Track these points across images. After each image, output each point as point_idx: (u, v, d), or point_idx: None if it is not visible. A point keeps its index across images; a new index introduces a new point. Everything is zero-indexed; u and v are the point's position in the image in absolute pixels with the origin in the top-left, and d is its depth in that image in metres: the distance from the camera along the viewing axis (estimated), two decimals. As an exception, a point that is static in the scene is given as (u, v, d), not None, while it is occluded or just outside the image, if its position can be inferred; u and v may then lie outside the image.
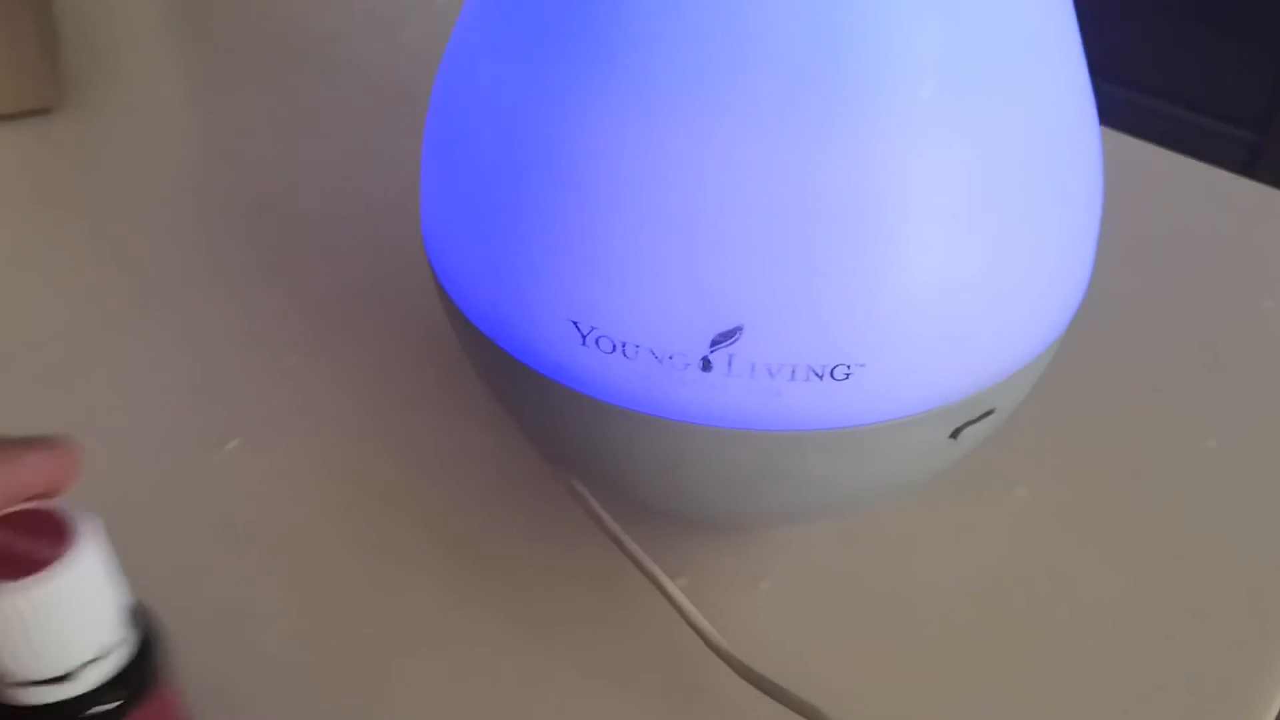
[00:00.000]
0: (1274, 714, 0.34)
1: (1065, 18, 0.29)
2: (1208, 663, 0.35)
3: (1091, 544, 0.38)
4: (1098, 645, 0.35)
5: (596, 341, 0.27)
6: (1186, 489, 0.40)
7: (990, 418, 0.30)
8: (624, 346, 0.27)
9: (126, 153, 0.53)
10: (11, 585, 0.20)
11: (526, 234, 0.28)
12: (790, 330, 0.26)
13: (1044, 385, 0.33)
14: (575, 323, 0.27)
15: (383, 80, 0.57)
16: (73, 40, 0.59)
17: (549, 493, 0.37)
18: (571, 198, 0.27)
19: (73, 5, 0.61)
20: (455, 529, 0.38)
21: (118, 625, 0.23)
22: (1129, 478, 0.40)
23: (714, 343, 0.26)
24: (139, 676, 0.23)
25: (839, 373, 0.27)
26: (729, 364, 0.27)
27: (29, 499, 0.22)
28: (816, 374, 0.27)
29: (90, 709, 0.22)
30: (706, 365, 0.27)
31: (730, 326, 0.26)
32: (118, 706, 0.23)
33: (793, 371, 0.27)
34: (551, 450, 0.34)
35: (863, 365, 0.27)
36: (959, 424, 0.29)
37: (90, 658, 0.22)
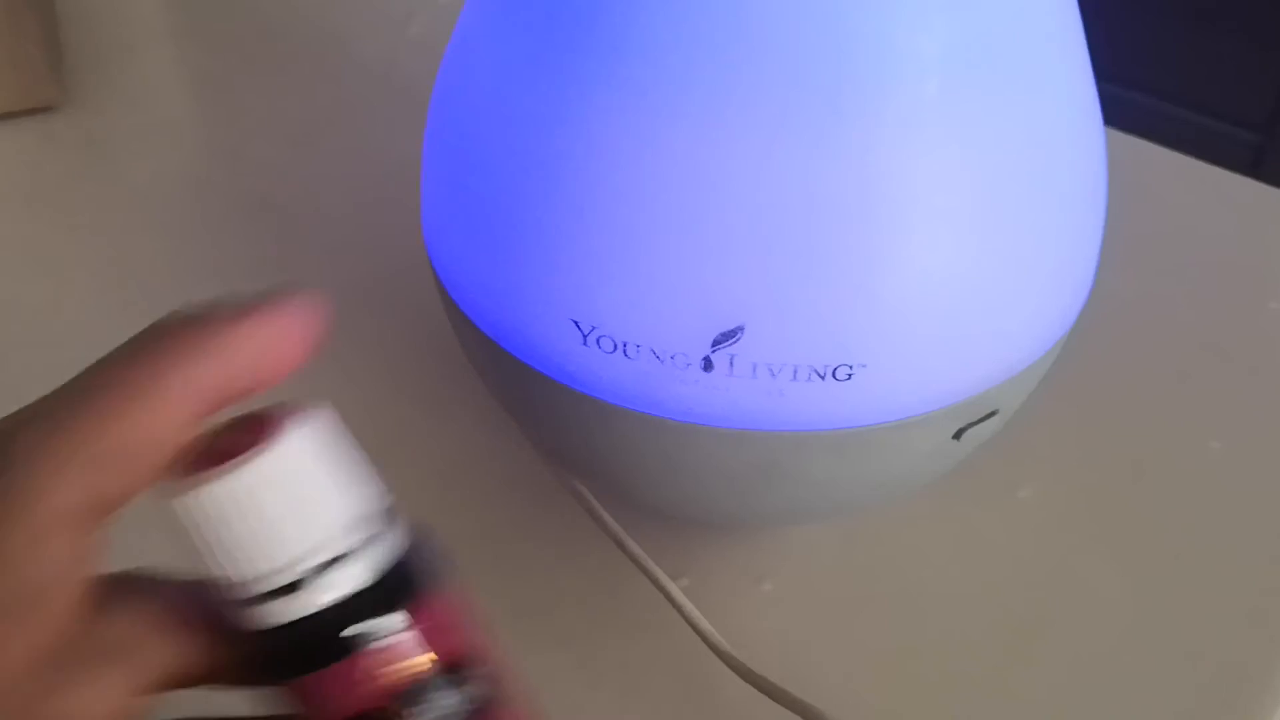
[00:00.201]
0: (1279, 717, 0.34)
1: (1070, 18, 0.29)
2: (1211, 665, 0.35)
3: (1094, 545, 0.38)
4: (1100, 647, 0.35)
5: (598, 341, 0.27)
6: (1190, 491, 0.39)
7: (993, 419, 0.30)
8: (625, 346, 0.27)
9: (130, 151, 0.53)
10: (226, 469, 0.18)
11: (528, 233, 0.27)
12: (792, 330, 0.26)
13: (1047, 386, 0.33)
14: (576, 322, 0.27)
15: (386, 78, 0.57)
16: (76, 38, 0.59)
17: (550, 493, 0.37)
18: (573, 197, 0.26)
19: (76, 3, 0.61)
20: (455, 529, 0.38)
21: (355, 527, 0.19)
22: (1132, 479, 0.40)
23: (715, 343, 0.26)
24: (394, 590, 0.19)
25: (841, 373, 0.27)
26: (730, 364, 0.27)
27: (249, 389, 0.19)
28: (818, 374, 0.27)
29: (343, 627, 0.19)
30: (708, 365, 0.27)
31: (732, 326, 0.26)
32: (372, 623, 0.19)
33: (794, 372, 0.27)
34: (552, 450, 0.34)
35: (865, 366, 0.27)
36: (962, 425, 0.29)
37: (323, 559, 0.19)
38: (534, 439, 0.35)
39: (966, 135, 0.26)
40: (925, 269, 0.26)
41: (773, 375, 0.27)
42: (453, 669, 0.19)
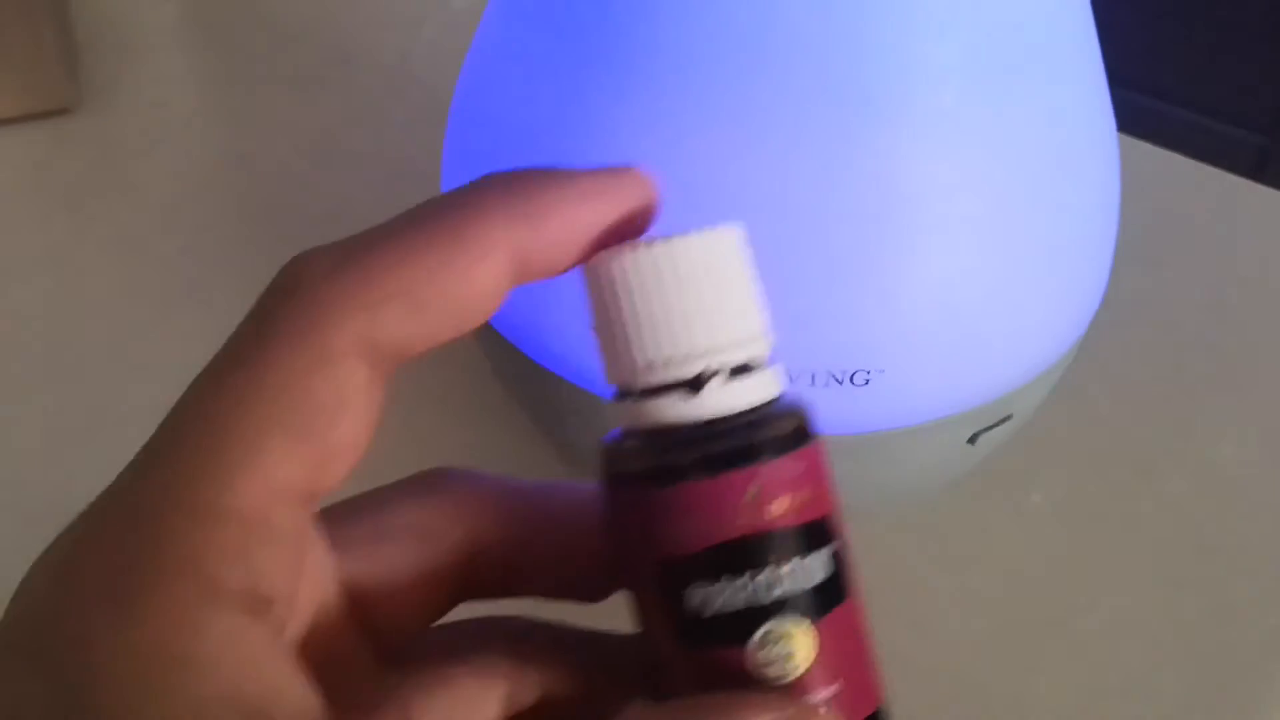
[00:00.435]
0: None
1: (1084, 25, 0.29)
2: (1226, 668, 0.35)
3: (1107, 549, 0.38)
4: (1114, 651, 0.35)
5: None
6: (1203, 494, 0.40)
7: (1008, 423, 0.30)
8: (645, 351, 0.27)
9: (143, 154, 0.54)
10: (660, 241, 0.18)
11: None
12: (810, 336, 0.26)
13: (1059, 390, 0.33)
14: (597, 328, 0.28)
15: (399, 81, 0.57)
16: (90, 41, 0.59)
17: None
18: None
19: (90, 6, 0.61)
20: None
21: (763, 344, 0.18)
22: (1144, 483, 0.40)
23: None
24: (792, 421, 0.18)
25: (859, 378, 0.27)
26: (750, 369, 0.27)
27: (565, 261, 0.18)
28: (836, 379, 0.27)
29: (739, 439, 0.17)
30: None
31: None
32: (768, 444, 0.17)
33: (813, 377, 0.27)
34: (569, 452, 0.35)
35: (882, 371, 0.27)
36: (977, 429, 0.30)
37: (735, 362, 0.18)
38: (554, 442, 0.35)
39: (984, 143, 0.26)
40: (943, 276, 0.27)
41: (791, 380, 0.27)
42: (825, 524, 0.18)
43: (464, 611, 0.21)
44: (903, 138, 0.26)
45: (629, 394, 0.18)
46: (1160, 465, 0.41)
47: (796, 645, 0.17)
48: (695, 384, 0.18)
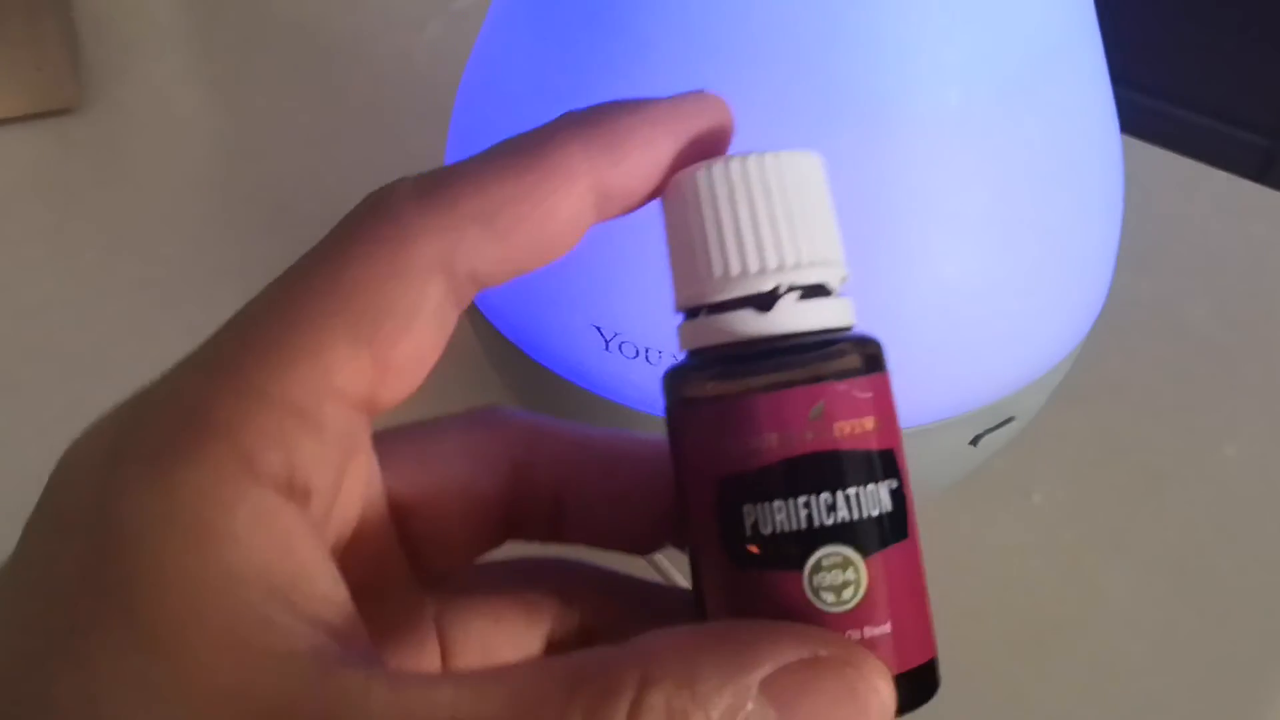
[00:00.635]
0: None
1: (1088, 25, 0.29)
2: (1226, 670, 0.35)
3: (1108, 550, 0.38)
4: (1114, 652, 0.35)
5: (619, 347, 0.28)
6: (1204, 496, 0.40)
7: (1010, 424, 0.30)
8: (647, 352, 0.27)
9: (147, 153, 0.54)
10: (747, 154, 0.17)
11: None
12: (813, 337, 0.26)
13: (1062, 391, 0.33)
14: (599, 328, 0.28)
15: (402, 80, 0.57)
16: (94, 40, 0.59)
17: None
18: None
19: (94, 5, 0.61)
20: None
21: (840, 269, 0.18)
22: (1146, 484, 0.40)
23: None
24: (865, 348, 0.18)
25: (861, 380, 0.27)
26: (751, 371, 0.27)
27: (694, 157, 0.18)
28: (838, 381, 0.27)
29: (811, 357, 0.17)
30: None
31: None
32: (840, 365, 0.17)
33: (815, 378, 0.27)
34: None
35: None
36: (979, 431, 0.30)
37: (811, 282, 0.18)
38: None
39: (986, 146, 0.26)
40: (945, 278, 0.27)
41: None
42: (892, 456, 0.17)
43: (510, 553, 0.20)
44: (904, 140, 0.26)
45: (699, 311, 0.18)
46: (1162, 468, 0.41)
47: (852, 575, 0.17)
48: (768, 300, 0.17)
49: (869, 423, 0.17)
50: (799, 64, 0.25)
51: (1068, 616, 0.36)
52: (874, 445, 0.17)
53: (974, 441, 0.30)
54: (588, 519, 0.20)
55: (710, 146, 0.18)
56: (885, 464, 0.17)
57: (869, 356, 0.17)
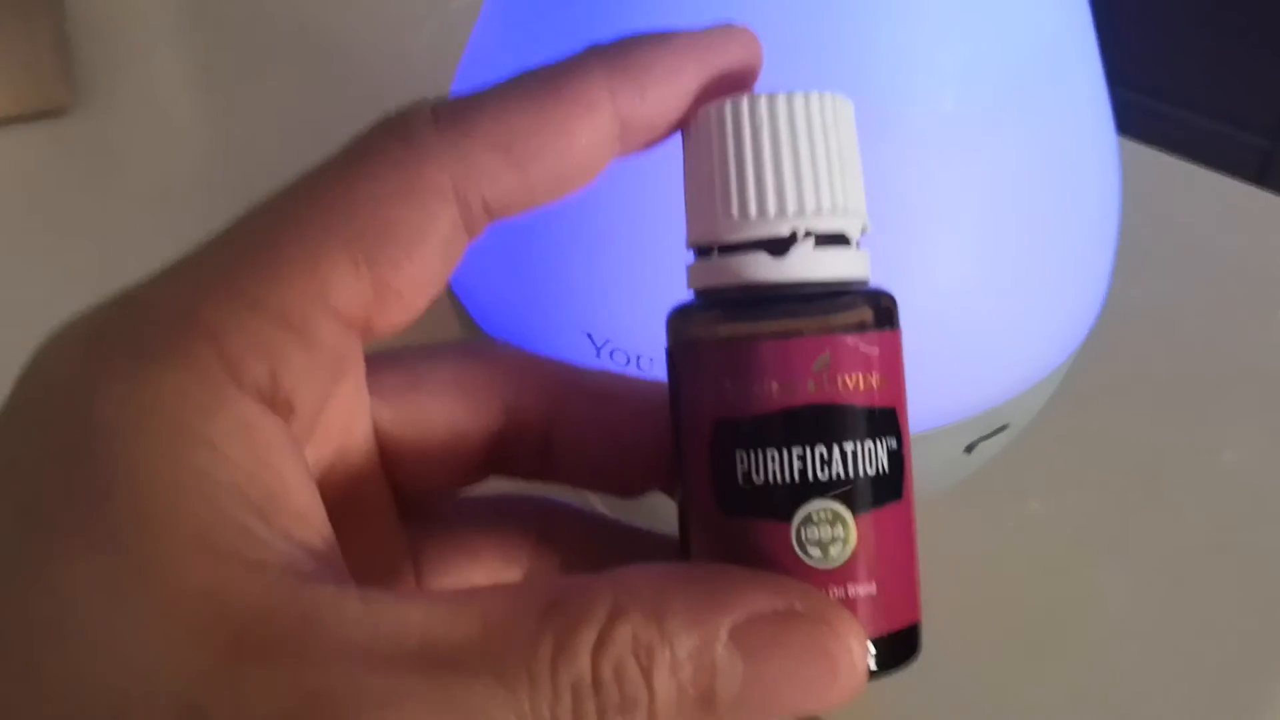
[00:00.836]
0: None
1: (1083, 28, 0.29)
2: (1223, 676, 0.35)
3: (1105, 557, 0.38)
4: (1111, 659, 0.35)
5: (611, 354, 0.27)
6: (1202, 503, 0.39)
7: (1004, 432, 0.30)
8: (638, 359, 0.27)
9: (140, 154, 0.53)
10: (772, 95, 0.17)
11: (542, 247, 0.27)
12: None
13: (1057, 398, 0.33)
14: (590, 335, 0.27)
15: (398, 82, 0.57)
16: (86, 41, 0.59)
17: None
18: (586, 211, 0.26)
19: (86, 6, 0.61)
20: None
21: (860, 219, 0.18)
22: (1143, 491, 0.40)
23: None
24: (878, 303, 0.17)
25: (854, 387, 0.27)
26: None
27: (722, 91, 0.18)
28: (831, 388, 0.27)
29: (821, 305, 0.17)
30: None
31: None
32: (850, 317, 0.17)
33: (808, 386, 0.27)
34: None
35: (878, 380, 0.27)
36: (973, 439, 0.29)
37: (828, 230, 0.17)
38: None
39: (982, 150, 0.26)
40: (939, 283, 0.26)
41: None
42: (893, 415, 0.17)
43: (494, 489, 0.20)
44: (896, 143, 0.25)
45: (711, 250, 0.18)
46: (1160, 473, 0.40)
47: (841, 532, 0.17)
48: (783, 245, 0.17)
49: (874, 378, 0.17)
50: (793, 67, 0.25)
51: (1066, 623, 0.36)
52: (876, 402, 0.17)
53: (969, 449, 0.30)
54: (575, 457, 0.19)
55: (737, 81, 0.18)
56: (886, 422, 0.17)
57: (881, 310, 0.17)
